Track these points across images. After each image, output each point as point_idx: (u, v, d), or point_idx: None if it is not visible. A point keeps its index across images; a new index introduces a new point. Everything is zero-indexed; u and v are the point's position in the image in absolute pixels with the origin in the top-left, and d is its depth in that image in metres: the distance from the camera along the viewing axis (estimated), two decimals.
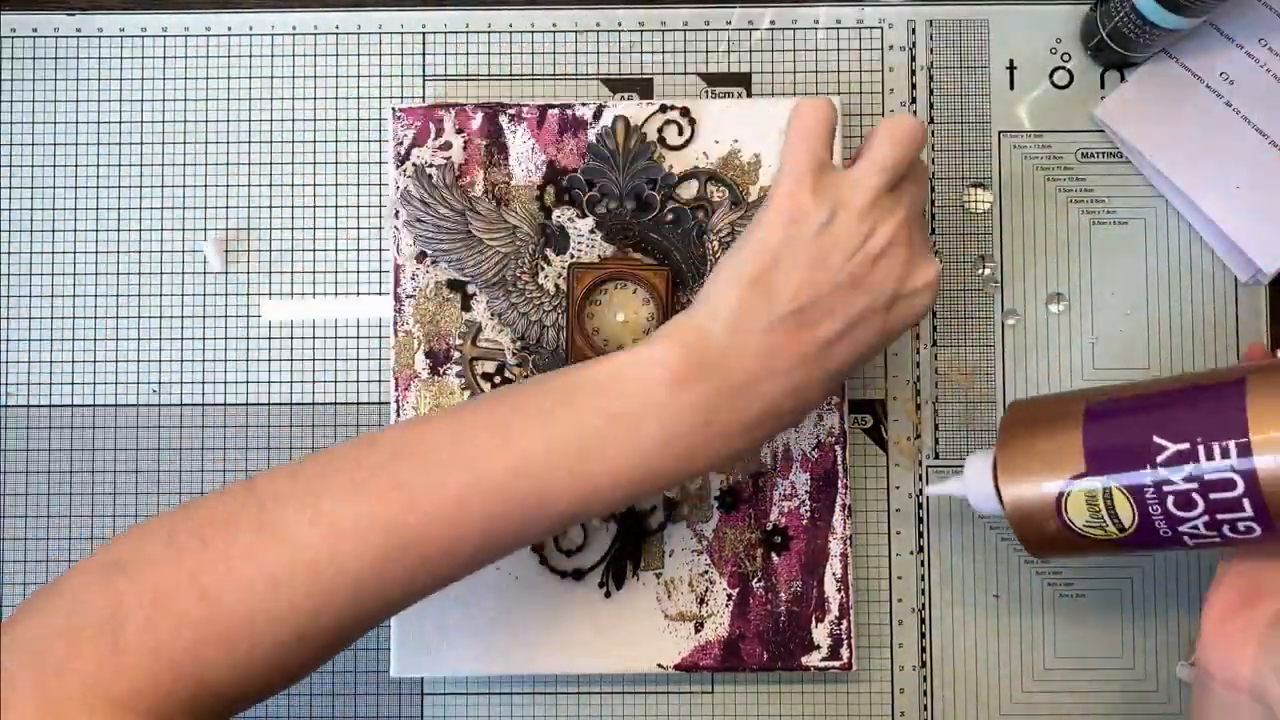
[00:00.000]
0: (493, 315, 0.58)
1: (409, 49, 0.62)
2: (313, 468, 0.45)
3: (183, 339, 0.61)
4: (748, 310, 0.46)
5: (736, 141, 0.59)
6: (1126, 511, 0.45)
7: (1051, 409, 0.49)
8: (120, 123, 0.62)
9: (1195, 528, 0.45)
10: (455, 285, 0.59)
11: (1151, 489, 0.45)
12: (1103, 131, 0.61)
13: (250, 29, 0.62)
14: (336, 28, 0.63)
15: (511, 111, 0.59)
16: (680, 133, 0.59)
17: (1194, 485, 0.44)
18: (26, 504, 0.61)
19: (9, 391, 0.61)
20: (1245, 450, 0.43)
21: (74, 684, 0.41)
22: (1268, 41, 0.60)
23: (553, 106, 0.59)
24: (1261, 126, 0.60)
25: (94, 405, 0.61)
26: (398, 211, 0.59)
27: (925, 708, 0.60)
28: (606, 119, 0.59)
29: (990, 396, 0.61)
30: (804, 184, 0.46)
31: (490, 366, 0.59)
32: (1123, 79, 0.61)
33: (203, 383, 0.61)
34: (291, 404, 0.61)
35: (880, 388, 0.61)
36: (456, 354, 0.59)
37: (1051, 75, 0.62)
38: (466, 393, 0.58)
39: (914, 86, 0.62)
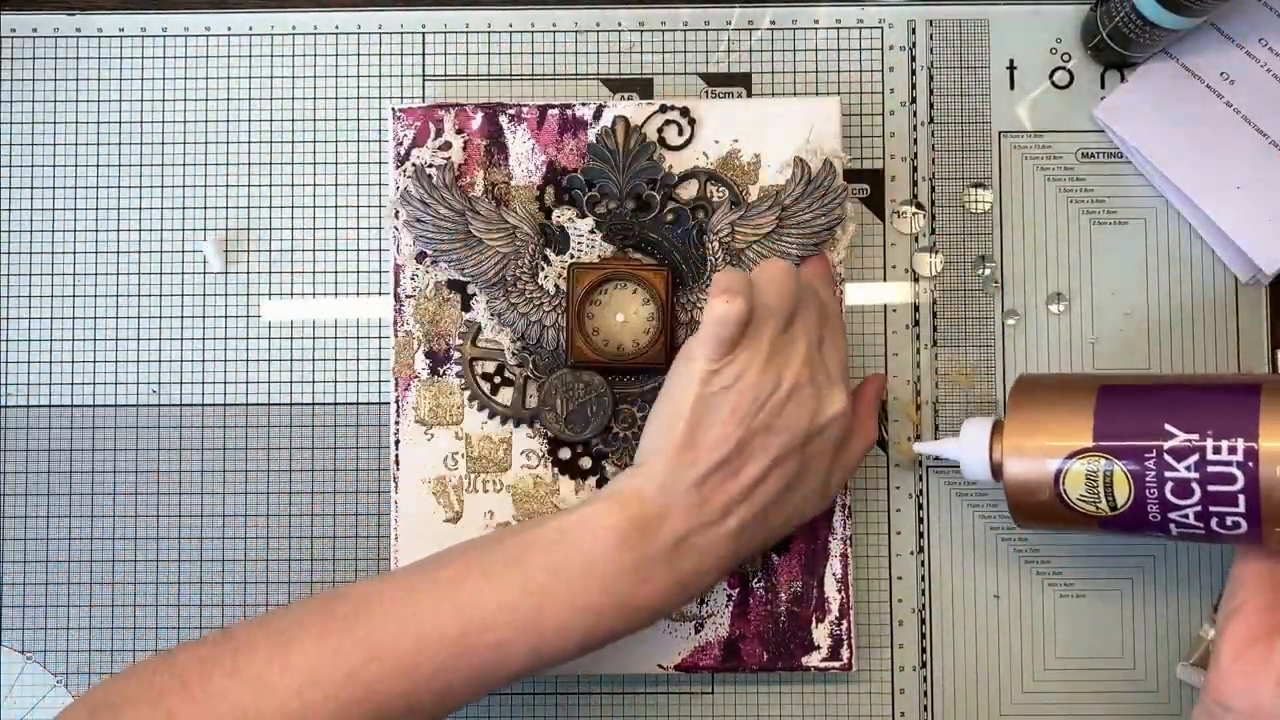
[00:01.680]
0: (493, 315, 0.58)
1: (409, 49, 0.62)
2: (284, 619, 0.48)
3: (183, 339, 0.61)
4: (675, 471, 0.49)
5: (736, 141, 0.59)
6: (1124, 491, 0.47)
7: (1064, 385, 0.51)
8: (120, 123, 0.62)
9: (1185, 516, 0.47)
10: (455, 285, 0.59)
11: (1153, 472, 0.47)
12: (1103, 131, 0.61)
13: (250, 29, 0.62)
14: (336, 28, 0.62)
15: (511, 111, 0.59)
16: (680, 133, 0.59)
17: (1196, 475, 0.46)
18: (26, 504, 0.61)
19: (9, 391, 0.61)
20: (1252, 451, 0.45)
21: None
22: (1268, 41, 0.60)
23: (553, 106, 0.59)
24: (1261, 126, 0.59)
25: (94, 405, 0.61)
26: (398, 211, 0.59)
27: (925, 708, 0.60)
28: (606, 119, 0.59)
29: (990, 396, 0.61)
30: (709, 352, 0.50)
31: (490, 366, 0.59)
32: (1123, 79, 0.61)
33: (203, 383, 0.61)
34: (291, 404, 0.61)
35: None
36: (456, 354, 0.59)
37: (1051, 75, 0.62)
38: (466, 393, 0.58)
39: (914, 86, 0.62)
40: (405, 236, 0.59)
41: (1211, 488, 0.46)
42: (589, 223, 0.59)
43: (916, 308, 0.61)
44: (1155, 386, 0.49)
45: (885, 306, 0.61)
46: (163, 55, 0.62)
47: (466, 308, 0.59)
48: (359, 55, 0.62)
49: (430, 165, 0.58)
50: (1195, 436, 0.46)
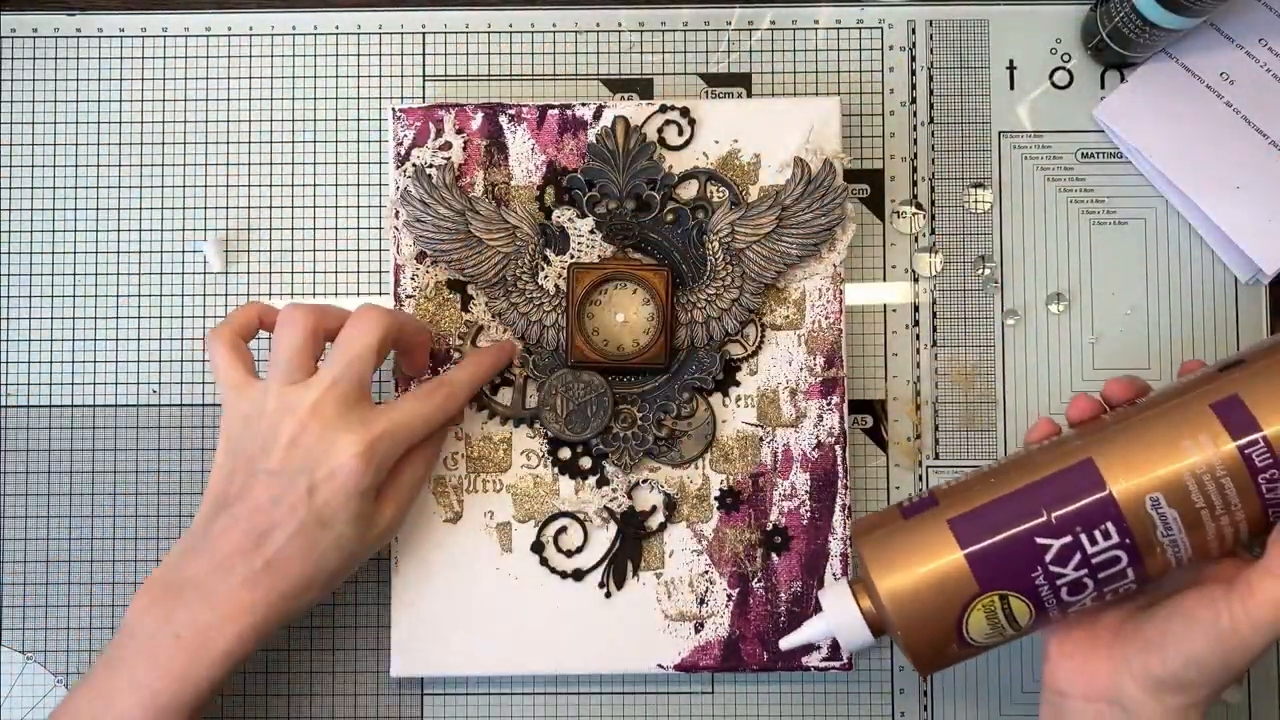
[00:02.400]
0: (493, 315, 0.58)
1: (409, 49, 0.62)
2: None
3: (183, 339, 0.61)
4: (198, 520, 0.52)
5: (736, 141, 0.59)
6: (1024, 613, 0.47)
7: (912, 534, 0.48)
8: (120, 123, 0.62)
9: (1084, 604, 0.47)
10: (455, 285, 0.59)
11: (1046, 587, 0.47)
12: (1103, 131, 0.61)
13: (250, 29, 0.62)
14: (336, 28, 0.63)
15: (511, 111, 0.59)
16: (680, 133, 0.59)
17: (1085, 571, 0.46)
18: (26, 504, 0.61)
19: (9, 391, 0.61)
20: (1123, 528, 0.46)
21: None
22: (1268, 41, 0.60)
23: (553, 107, 0.59)
24: (1261, 126, 0.60)
25: (94, 405, 0.61)
26: (398, 212, 0.59)
27: (925, 708, 0.60)
28: (606, 119, 0.59)
29: (990, 396, 0.61)
30: (228, 398, 0.52)
31: None
32: (1123, 79, 0.61)
33: (203, 383, 0.61)
34: None
35: (880, 388, 0.61)
36: (456, 354, 0.59)
37: (1051, 75, 0.62)
38: None
39: (914, 86, 0.62)
40: (405, 236, 0.59)
41: (1102, 574, 0.46)
42: (589, 223, 0.59)
43: (916, 308, 0.61)
44: (1001, 500, 0.47)
45: (885, 306, 0.61)
46: (163, 55, 0.62)
47: (466, 308, 0.59)
48: (359, 55, 0.62)
49: (430, 165, 0.58)
50: (1068, 539, 0.46)
